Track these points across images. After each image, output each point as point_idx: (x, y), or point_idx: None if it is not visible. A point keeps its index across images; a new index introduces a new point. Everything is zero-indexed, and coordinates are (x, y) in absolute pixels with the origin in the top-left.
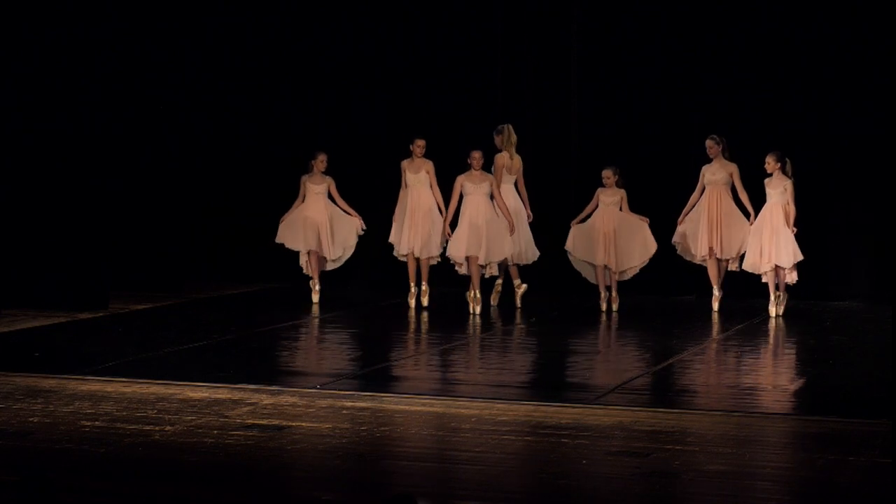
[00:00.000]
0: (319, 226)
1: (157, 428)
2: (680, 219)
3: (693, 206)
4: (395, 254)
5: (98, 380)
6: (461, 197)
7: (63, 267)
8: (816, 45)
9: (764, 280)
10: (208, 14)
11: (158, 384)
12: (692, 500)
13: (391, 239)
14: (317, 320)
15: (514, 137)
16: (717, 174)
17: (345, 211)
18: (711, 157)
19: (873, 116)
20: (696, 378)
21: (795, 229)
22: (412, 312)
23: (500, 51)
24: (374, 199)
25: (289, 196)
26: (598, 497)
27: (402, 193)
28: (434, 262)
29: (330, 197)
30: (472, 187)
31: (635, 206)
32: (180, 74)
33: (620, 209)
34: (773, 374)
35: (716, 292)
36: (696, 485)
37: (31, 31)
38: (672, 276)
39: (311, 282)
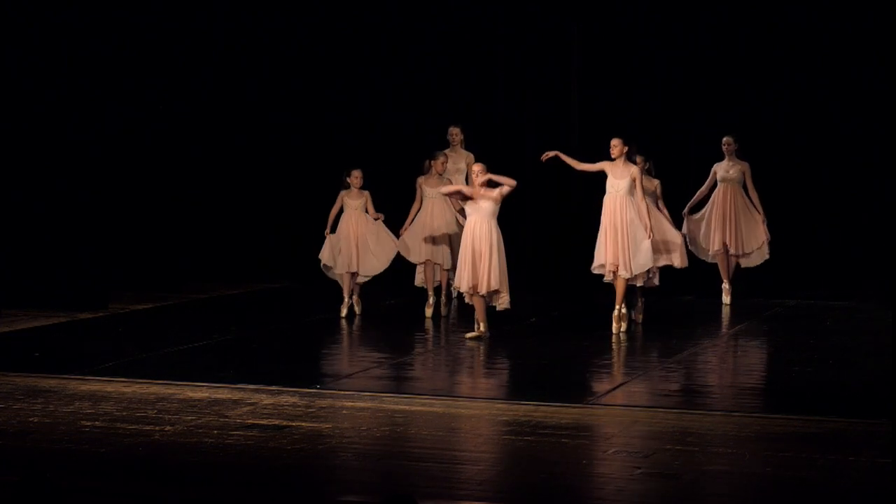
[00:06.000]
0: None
1: (157, 428)
2: (685, 210)
3: (699, 200)
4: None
5: (98, 380)
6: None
7: (63, 267)
8: (816, 44)
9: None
10: (208, 14)
11: (158, 384)
12: (692, 500)
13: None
14: (316, 321)
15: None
16: (730, 171)
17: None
18: (727, 154)
19: (873, 116)
20: (696, 378)
21: (652, 234)
22: (413, 315)
23: (500, 51)
24: (376, 202)
25: (288, 195)
26: (598, 497)
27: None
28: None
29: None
30: (473, 206)
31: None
32: (180, 74)
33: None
34: (773, 374)
35: (726, 285)
36: (696, 485)
37: (30, 30)
38: (672, 277)
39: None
